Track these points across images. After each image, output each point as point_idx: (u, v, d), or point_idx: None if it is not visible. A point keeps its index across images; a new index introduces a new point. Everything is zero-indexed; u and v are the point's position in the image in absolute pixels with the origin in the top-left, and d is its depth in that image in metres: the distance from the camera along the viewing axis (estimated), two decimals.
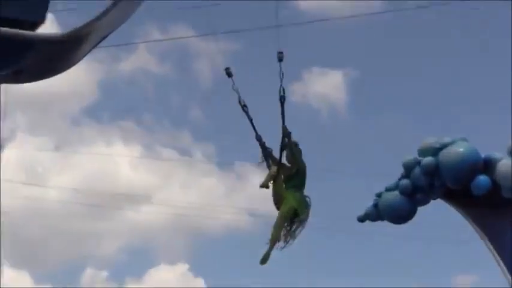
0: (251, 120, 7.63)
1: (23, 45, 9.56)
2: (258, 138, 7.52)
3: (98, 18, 11.01)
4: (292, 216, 7.35)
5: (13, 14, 9.94)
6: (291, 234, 7.42)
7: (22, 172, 28.59)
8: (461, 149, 12.35)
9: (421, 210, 13.07)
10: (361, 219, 13.19)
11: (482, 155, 12.44)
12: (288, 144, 7.05)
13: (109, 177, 31.42)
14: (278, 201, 7.45)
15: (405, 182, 12.74)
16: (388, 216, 12.97)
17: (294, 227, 7.49)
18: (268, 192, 8.12)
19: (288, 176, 7.36)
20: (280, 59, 7.43)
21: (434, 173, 12.51)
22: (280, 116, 7.32)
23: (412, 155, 12.84)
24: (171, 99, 35.73)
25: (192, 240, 31.45)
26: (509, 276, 12.70)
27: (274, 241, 7.31)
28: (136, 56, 33.10)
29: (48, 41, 9.85)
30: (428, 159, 12.56)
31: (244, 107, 7.68)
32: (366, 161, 30.29)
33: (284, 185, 7.40)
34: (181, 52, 36.29)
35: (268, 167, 7.64)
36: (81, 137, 34.74)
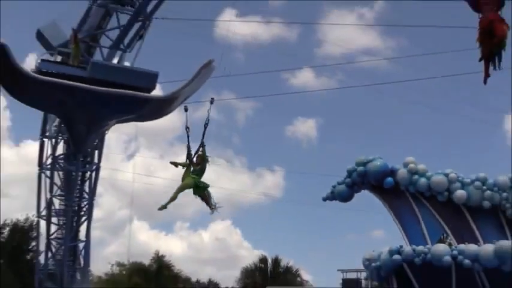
0: (188, 137, 9.22)
1: (145, 101, 20.04)
2: (188, 146, 9.17)
3: (186, 85, 20.21)
4: (198, 190, 9.10)
5: (138, 84, 20.60)
6: (210, 203, 9.08)
7: None
8: (378, 163, 22.64)
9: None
10: (324, 199, 23.12)
11: (390, 166, 22.80)
12: (202, 151, 9.14)
13: None
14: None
15: (348, 180, 23.21)
16: (339, 198, 22.83)
17: (208, 197, 9.16)
18: None
19: (195, 169, 9.32)
20: (211, 103, 9.31)
21: (364, 175, 22.72)
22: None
23: (351, 165, 22.89)
24: None
25: None
26: (405, 238, 22.22)
27: (171, 199, 8.85)
28: None
29: (157, 99, 19.92)
30: (361, 168, 22.86)
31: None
32: (328, 165, 55.59)
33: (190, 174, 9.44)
34: None
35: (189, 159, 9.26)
36: None
